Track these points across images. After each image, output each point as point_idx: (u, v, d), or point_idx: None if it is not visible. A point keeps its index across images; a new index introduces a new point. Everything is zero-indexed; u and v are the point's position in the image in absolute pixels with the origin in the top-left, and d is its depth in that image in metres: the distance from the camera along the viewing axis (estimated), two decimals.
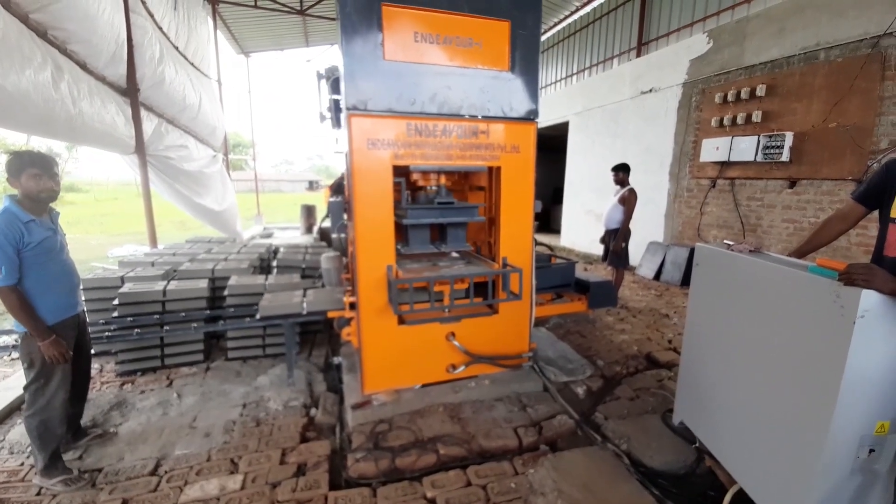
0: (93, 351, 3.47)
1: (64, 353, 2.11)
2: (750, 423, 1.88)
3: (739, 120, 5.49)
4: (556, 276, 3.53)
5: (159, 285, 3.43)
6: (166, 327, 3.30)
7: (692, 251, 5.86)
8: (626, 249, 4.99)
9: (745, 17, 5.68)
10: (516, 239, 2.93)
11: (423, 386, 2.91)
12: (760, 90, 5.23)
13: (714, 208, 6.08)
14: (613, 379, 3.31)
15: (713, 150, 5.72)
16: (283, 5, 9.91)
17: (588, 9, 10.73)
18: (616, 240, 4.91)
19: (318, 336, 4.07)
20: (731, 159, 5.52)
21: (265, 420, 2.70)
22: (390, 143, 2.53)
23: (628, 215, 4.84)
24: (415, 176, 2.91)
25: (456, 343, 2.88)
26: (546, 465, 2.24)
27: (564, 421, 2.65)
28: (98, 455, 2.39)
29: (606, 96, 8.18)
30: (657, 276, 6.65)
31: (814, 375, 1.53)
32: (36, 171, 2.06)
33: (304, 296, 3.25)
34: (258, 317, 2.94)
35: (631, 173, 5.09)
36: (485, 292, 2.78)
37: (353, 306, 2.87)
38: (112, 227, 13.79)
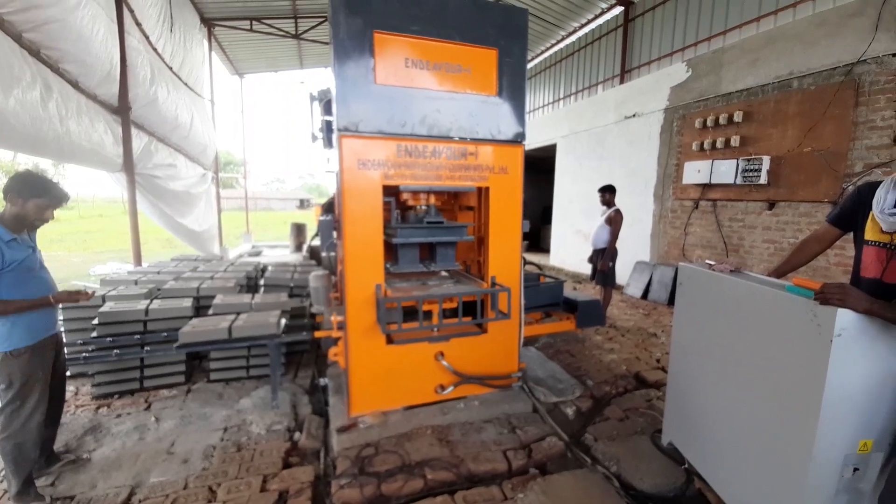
0: (68, 373, 3.36)
1: (78, 293, 2.15)
2: (736, 444, 1.88)
3: (719, 144, 5.70)
4: (545, 296, 3.54)
5: (142, 304, 3.36)
6: (147, 348, 3.21)
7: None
8: (613, 269, 5.06)
9: (720, 47, 5.98)
10: (505, 258, 2.95)
11: (411, 408, 2.86)
12: (738, 116, 5.46)
13: (698, 229, 6.23)
14: (603, 399, 3.29)
15: (695, 172, 5.91)
16: (279, 29, 10.14)
17: (573, 38, 11.18)
18: (603, 259, 4.98)
19: (305, 357, 3.99)
20: (713, 181, 5.70)
21: (247, 445, 2.61)
22: (381, 164, 2.57)
23: (615, 235, 4.93)
24: (405, 196, 2.94)
25: (445, 363, 2.85)
26: (535, 489, 2.19)
27: (554, 443, 2.61)
28: (71, 482, 2.28)
29: (592, 120, 8.45)
30: (645, 295, 6.72)
31: (796, 394, 1.55)
32: (48, 203, 2.09)
33: (235, 320, 3.11)
34: (175, 345, 2.86)
35: (617, 194, 5.21)
36: (474, 311, 2.77)
37: (340, 326, 2.84)
38: (96, 244, 13.53)
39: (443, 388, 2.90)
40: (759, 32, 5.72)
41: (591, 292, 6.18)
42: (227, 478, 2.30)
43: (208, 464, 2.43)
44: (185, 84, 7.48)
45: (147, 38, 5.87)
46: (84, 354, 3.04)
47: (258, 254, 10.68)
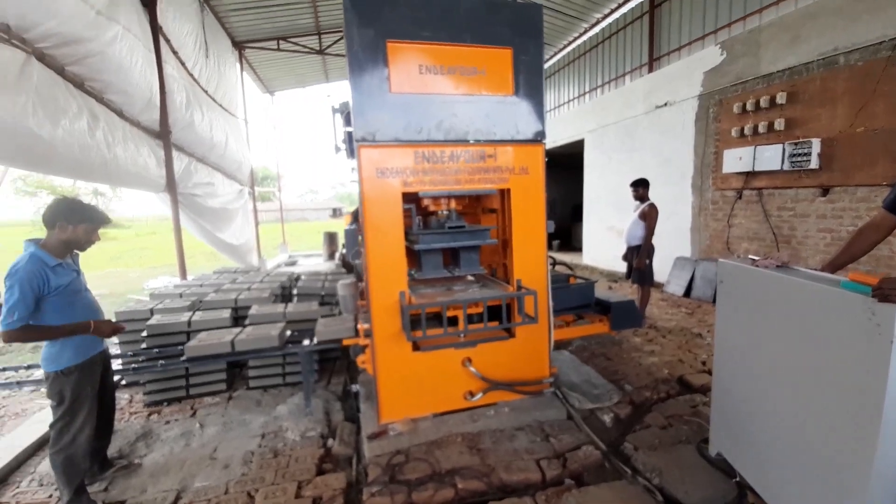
0: (123, 382, 3.60)
1: (116, 327, 2.30)
2: (790, 455, 1.72)
3: (761, 129, 5.33)
4: (575, 297, 3.43)
5: (185, 316, 3.55)
6: None
7: None
8: (650, 266, 4.83)
9: (757, 27, 5.60)
10: (530, 260, 2.88)
11: (441, 414, 2.84)
12: (781, 98, 5.08)
13: (743, 220, 5.84)
14: (643, 405, 3.13)
15: (736, 160, 5.55)
16: (304, 46, 10.52)
17: (597, 29, 10.87)
18: (639, 257, 4.76)
19: (338, 363, 4.08)
20: (756, 169, 5.33)
21: (283, 451, 2.69)
22: (399, 171, 2.58)
23: (650, 231, 4.71)
24: (425, 201, 2.94)
25: (472, 369, 2.81)
26: (571, 501, 2.11)
27: (590, 452, 2.51)
28: (122, 487, 2.42)
29: (620, 112, 8.15)
30: (687, 292, 6.37)
31: (854, 401, 1.40)
32: (95, 226, 2.23)
33: (239, 334, 3.16)
34: (182, 358, 2.94)
35: (651, 186, 4.97)
36: (500, 316, 2.72)
37: (367, 333, 2.87)
38: (150, 260, 14.52)
39: (472, 394, 2.86)
40: (797, 8, 5.30)
41: (628, 291, 5.94)
42: (264, 483, 2.37)
43: (247, 469, 2.51)
44: (220, 105, 7.90)
45: (183, 64, 6.24)
46: (134, 365, 3.24)
47: (294, 263, 11.09)
